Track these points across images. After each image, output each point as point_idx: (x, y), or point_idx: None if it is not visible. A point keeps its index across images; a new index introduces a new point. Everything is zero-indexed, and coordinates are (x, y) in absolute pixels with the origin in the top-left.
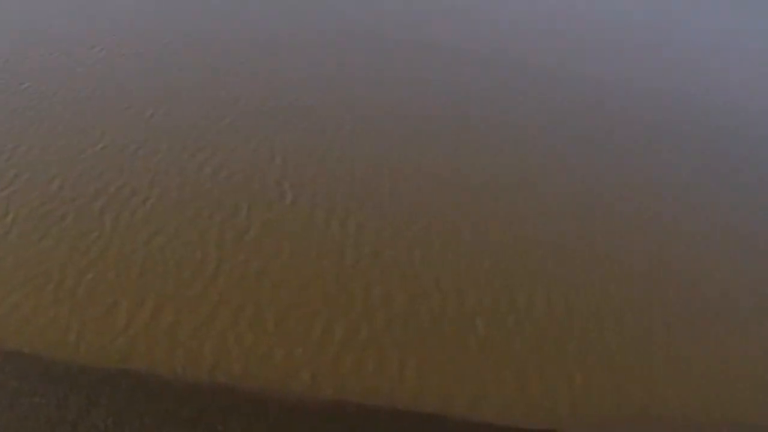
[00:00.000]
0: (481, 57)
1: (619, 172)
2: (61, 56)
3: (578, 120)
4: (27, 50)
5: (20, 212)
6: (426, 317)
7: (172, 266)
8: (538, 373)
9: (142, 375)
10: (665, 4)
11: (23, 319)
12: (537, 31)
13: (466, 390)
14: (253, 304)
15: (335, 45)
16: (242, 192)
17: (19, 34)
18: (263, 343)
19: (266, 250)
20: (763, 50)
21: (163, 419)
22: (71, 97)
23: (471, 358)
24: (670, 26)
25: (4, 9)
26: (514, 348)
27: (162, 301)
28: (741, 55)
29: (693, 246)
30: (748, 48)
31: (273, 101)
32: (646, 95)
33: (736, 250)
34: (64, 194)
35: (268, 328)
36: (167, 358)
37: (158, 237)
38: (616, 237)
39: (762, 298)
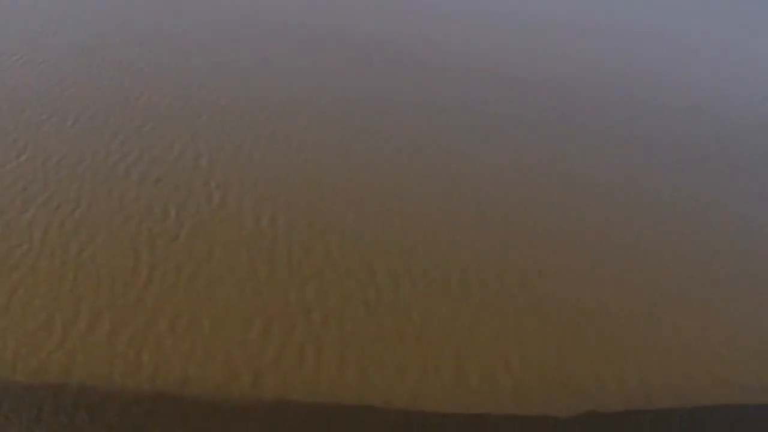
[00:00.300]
0: (384, 44)
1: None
2: None
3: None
4: None
5: None
6: (362, 311)
7: (105, 276)
8: (476, 359)
9: (83, 389)
10: None
11: None
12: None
13: (407, 381)
14: (188, 309)
15: (250, 40)
16: (170, 196)
17: None
18: (202, 347)
19: (198, 253)
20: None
21: None
22: None
23: (409, 348)
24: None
25: None
26: (451, 335)
27: (97, 313)
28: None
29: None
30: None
31: (194, 101)
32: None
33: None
34: None
35: (205, 332)
36: (107, 370)
37: (89, 247)
38: (537, 217)
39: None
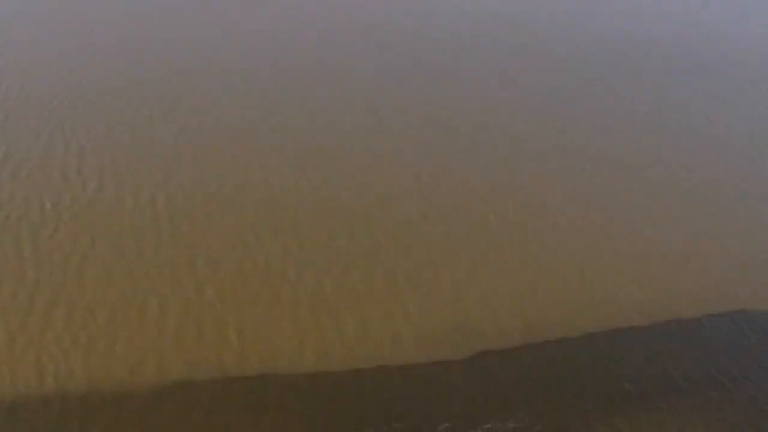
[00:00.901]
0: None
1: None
2: None
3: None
4: None
5: None
6: (255, 279)
7: None
8: (375, 313)
9: None
10: None
11: None
12: None
13: (310, 344)
14: (82, 302)
15: (114, 17)
16: (45, 188)
17: None
18: (102, 339)
19: (81, 242)
20: None
21: None
22: None
23: (308, 311)
24: None
25: None
26: (349, 293)
27: None
28: None
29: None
30: None
31: (54, 87)
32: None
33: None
34: None
35: (103, 323)
36: (8, 380)
37: None
38: (419, 167)
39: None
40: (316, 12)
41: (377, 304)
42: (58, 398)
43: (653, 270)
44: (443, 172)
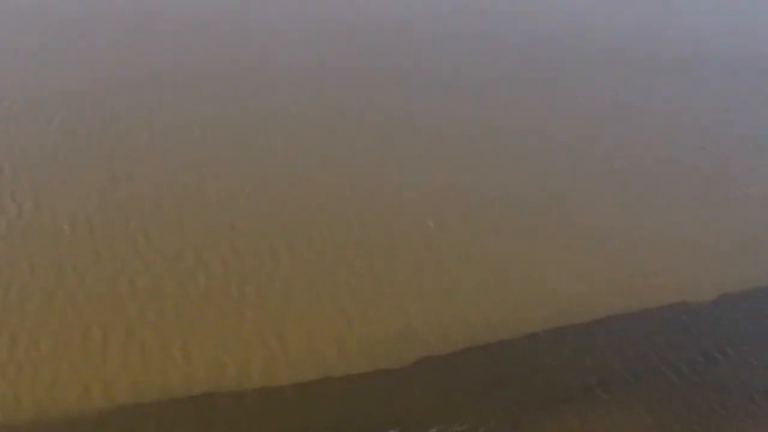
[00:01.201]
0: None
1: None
2: None
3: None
4: None
5: None
6: (197, 296)
7: None
8: (319, 324)
9: None
10: None
11: None
12: None
13: (234, 360)
14: (25, 333)
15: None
16: None
17: None
18: (47, 369)
19: (20, 270)
20: None
21: None
22: None
23: (231, 326)
24: None
25: None
26: (270, 306)
27: None
28: None
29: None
30: None
31: None
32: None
33: None
34: None
35: (46, 353)
36: None
37: None
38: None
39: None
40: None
41: (321, 316)
42: (4, 430)
43: (591, 264)
44: (380, 176)
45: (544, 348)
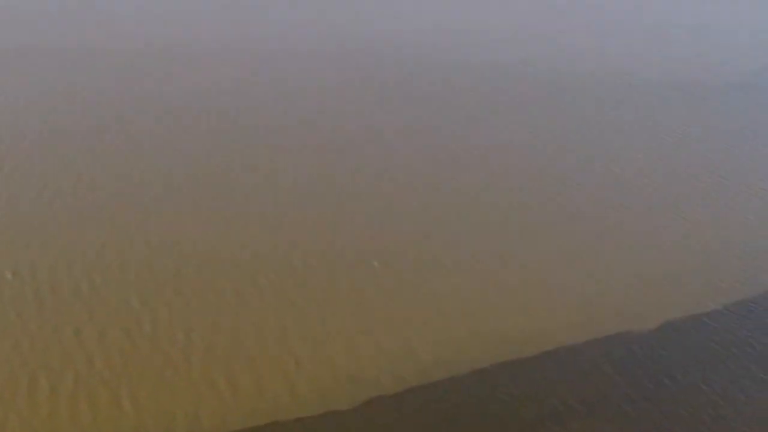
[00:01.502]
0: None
1: None
2: None
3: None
4: None
5: None
6: (144, 343)
7: None
8: (247, 370)
9: None
10: None
11: None
12: None
13: (184, 406)
14: None
15: None
16: None
17: None
18: None
19: None
20: None
21: None
22: None
23: (180, 372)
24: None
25: None
26: (218, 350)
27: None
28: None
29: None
30: None
31: None
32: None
33: None
34: None
35: None
36: None
37: None
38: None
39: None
40: None
41: (270, 359)
42: None
43: (537, 297)
44: (322, 218)
45: (495, 382)
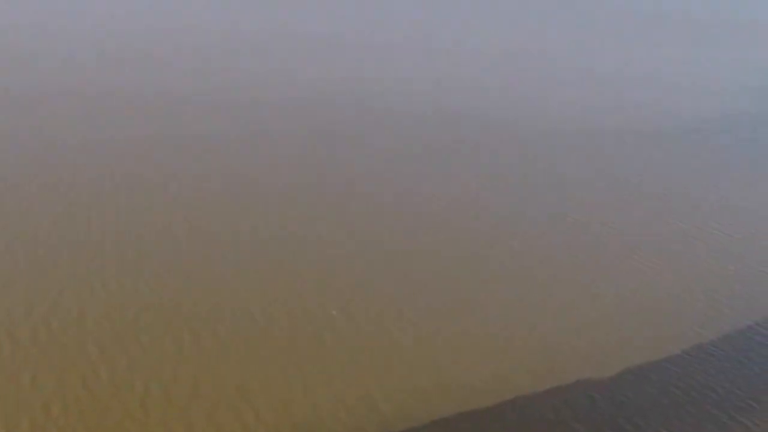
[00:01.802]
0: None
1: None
2: None
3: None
4: None
5: None
6: (105, 392)
7: None
8: (205, 419)
9: None
10: None
11: None
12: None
13: None
14: None
15: None
16: None
17: None
18: None
19: None
20: None
21: None
22: None
23: (137, 422)
24: None
25: None
26: (176, 399)
27: None
28: None
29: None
30: None
31: None
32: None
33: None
34: None
35: None
36: None
37: None
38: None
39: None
40: None
41: (229, 409)
42: None
43: (496, 346)
44: (281, 268)
45: None
